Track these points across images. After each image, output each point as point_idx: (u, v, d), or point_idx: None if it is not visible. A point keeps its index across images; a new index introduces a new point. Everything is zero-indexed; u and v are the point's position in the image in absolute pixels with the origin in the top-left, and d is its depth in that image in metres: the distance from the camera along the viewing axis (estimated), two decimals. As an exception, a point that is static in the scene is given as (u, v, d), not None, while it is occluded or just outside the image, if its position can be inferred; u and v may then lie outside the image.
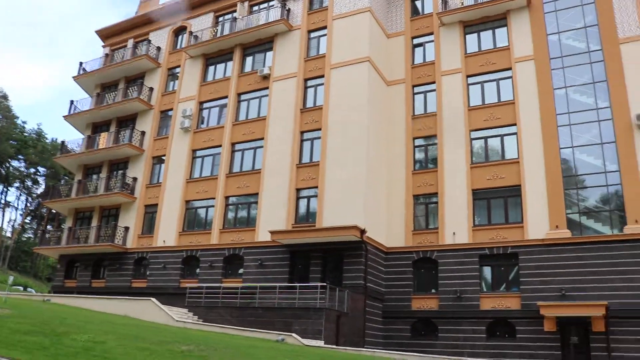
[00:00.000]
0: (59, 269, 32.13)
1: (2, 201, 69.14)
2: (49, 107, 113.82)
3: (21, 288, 46.45)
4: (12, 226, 70.18)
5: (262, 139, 26.49)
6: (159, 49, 32.98)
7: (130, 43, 34.80)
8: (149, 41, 33.24)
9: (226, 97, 28.75)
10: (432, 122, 24.90)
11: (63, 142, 34.37)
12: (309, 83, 26.37)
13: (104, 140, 31.82)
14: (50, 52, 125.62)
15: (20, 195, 70.88)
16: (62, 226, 69.80)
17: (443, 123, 24.50)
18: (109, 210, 31.14)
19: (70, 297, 24.18)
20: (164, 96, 31.47)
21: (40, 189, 70.01)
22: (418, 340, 21.96)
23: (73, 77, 35.12)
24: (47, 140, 69.76)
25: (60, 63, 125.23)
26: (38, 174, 70.11)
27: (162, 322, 18.17)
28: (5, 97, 62.83)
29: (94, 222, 31.00)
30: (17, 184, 68.53)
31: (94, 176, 32.89)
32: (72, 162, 33.48)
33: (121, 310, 19.31)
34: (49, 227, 72.49)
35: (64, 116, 34.01)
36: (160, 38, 33.36)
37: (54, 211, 70.89)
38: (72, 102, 34.56)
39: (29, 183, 70.23)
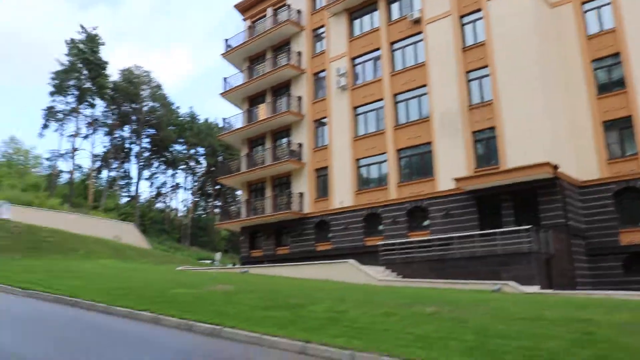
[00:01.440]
0: (243, 240, 35.51)
1: (173, 183, 77.52)
2: (184, 91, 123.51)
3: (209, 261, 52.13)
4: (185, 205, 78.48)
5: (425, 85, 26.32)
6: (299, 12, 33.86)
7: (269, 12, 36.20)
8: (288, 6, 34.26)
9: (378, 49, 28.90)
10: (611, 40, 22.71)
11: (224, 119, 37.21)
12: (465, 20, 25.55)
13: (263, 111, 33.92)
14: (169, 41, 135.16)
15: (187, 176, 78.63)
16: (234, 200, 76.68)
17: (626, 39, 22.20)
18: (280, 179, 33.40)
19: (265, 266, 26.61)
20: (314, 58, 32.43)
21: (202, 168, 77.12)
22: (633, 277, 20.71)
23: (221, 55, 37.61)
24: (199, 122, 76.08)
25: (180, 52, 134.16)
26: (198, 154, 76.98)
27: (364, 282, 19.30)
28: (159, 86, 69.43)
29: (268, 193, 33.53)
30: (182, 166, 76.09)
31: (259, 148, 35.32)
32: (236, 138, 36.22)
33: (322, 274, 20.83)
34: (221, 202, 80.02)
35: (220, 93, 36.80)
36: (298, 1, 34.10)
37: (219, 187, 78.01)
38: (225, 79, 37.25)
39: (192, 163, 77.46)
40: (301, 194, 31.19)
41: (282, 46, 35.03)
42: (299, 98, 32.52)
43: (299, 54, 33.22)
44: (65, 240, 31.84)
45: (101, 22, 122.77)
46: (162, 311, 10.77)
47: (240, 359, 8.05)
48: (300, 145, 31.88)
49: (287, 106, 32.46)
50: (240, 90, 36.06)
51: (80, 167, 65.69)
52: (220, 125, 75.70)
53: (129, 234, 44.70)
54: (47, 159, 64.26)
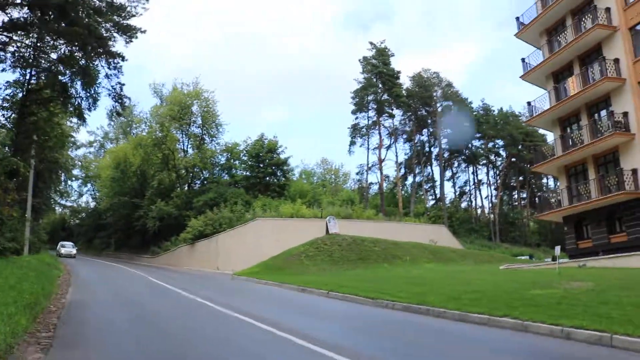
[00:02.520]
0: (567, 231, 32.90)
1: (475, 181, 77.29)
2: (468, 84, 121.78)
3: (526, 257, 49.94)
4: (490, 201, 77.26)
5: None
6: (600, -37, 30.03)
7: (559, -28, 33.08)
8: (588, -41, 30.68)
9: None
10: None
11: (529, 102, 35.31)
12: None
13: (573, 85, 31.05)
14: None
15: (488, 170, 77.43)
16: (543, 189, 72.48)
17: None
18: (604, 158, 30.02)
19: (604, 258, 24.02)
20: (627, 10, 28.41)
21: (503, 161, 74.94)
22: None
23: (515, 35, 36.13)
24: (494, 113, 74.24)
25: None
26: (497, 146, 75.15)
27: None
28: (450, 85, 70.45)
29: (591, 175, 30.41)
30: (482, 161, 75.29)
31: (573, 127, 32.39)
32: (545, 120, 34.04)
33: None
34: (527, 194, 76.58)
35: (520, 76, 35.37)
36: (597, -50, 30.35)
37: (522, 178, 74.49)
38: (523, 60, 35.48)
39: (492, 157, 75.94)
40: (634, 171, 27.29)
41: (583, 7, 31.63)
42: (616, 60, 28.69)
43: (607, 9, 29.41)
44: (387, 248, 34.40)
45: (383, 38, 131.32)
46: (526, 316, 10.09)
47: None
48: (625, 114, 28.05)
49: (602, 72, 28.97)
50: (542, 68, 33.87)
51: (387, 176, 70.92)
52: (517, 112, 72.75)
53: (442, 236, 46.08)
54: (357, 174, 71.29)
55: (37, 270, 18.44)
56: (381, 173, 65.81)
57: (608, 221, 29.47)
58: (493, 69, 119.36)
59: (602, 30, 29.08)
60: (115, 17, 29.26)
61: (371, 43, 65.03)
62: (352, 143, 65.44)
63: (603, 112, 30.07)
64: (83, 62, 29.94)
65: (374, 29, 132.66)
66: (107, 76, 31.25)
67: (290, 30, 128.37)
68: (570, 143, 31.77)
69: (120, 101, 32.45)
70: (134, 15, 29.75)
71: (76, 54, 29.77)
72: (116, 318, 11.82)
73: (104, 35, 29.18)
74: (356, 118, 65.41)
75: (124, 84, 32.09)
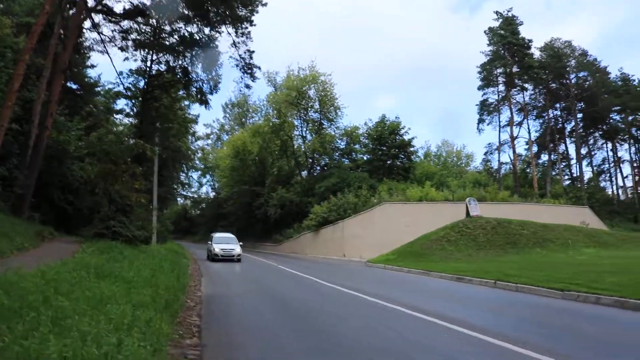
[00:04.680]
0: None
1: (614, 158, 70.39)
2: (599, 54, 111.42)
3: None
4: (634, 181, 70.00)
5: None
6: None
7: None
8: None
9: None
10: None
11: None
12: None
13: None
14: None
15: (630, 147, 70.26)
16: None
17: None
18: None
19: None
20: None
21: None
22: None
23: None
24: (634, 82, 66.98)
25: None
26: (636, 118, 67.71)
27: None
28: (584, 54, 64.38)
29: None
30: (623, 136, 68.34)
31: None
32: None
33: None
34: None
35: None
36: None
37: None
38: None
39: (634, 131, 68.72)
40: None
41: None
42: None
43: None
44: (537, 231, 31.06)
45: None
46: None
47: None
48: None
49: None
50: None
51: (520, 155, 66.39)
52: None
53: (586, 219, 41.83)
54: (485, 154, 67.30)
55: (169, 260, 17.92)
56: (514, 151, 61.04)
57: None
58: (625, 38, 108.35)
59: None
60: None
61: (497, 12, 60.07)
62: (481, 121, 61.41)
63: None
64: (205, 36, 29.31)
65: (485, 8, 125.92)
66: (234, 44, 30.04)
67: (398, 17, 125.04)
68: None
69: (250, 71, 31.39)
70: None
71: (198, 23, 29.02)
72: (263, 312, 10.71)
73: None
74: (484, 94, 61.35)
75: (253, 51, 30.94)
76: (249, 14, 28.49)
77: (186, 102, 41.92)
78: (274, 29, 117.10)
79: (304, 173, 58.96)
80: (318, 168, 58.20)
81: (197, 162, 78.15)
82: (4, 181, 19.67)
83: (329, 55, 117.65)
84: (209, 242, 32.13)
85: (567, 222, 35.98)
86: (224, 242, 30.85)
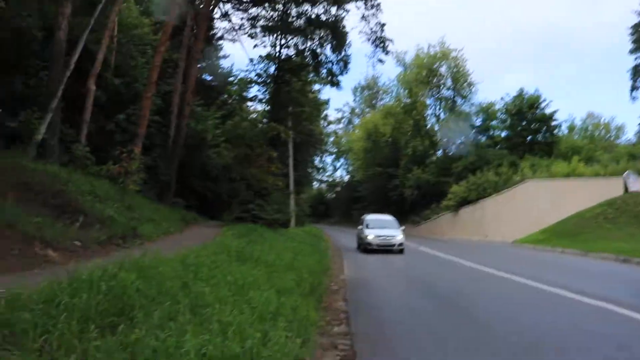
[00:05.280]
0: None
1: None
2: None
3: None
4: None
5: None
6: None
7: None
8: None
9: None
10: None
11: None
12: None
13: None
14: None
15: None
16: None
17: None
18: None
19: None
20: None
21: None
22: None
23: None
24: None
25: None
26: None
27: None
28: None
29: None
30: None
31: None
32: None
33: None
34: None
35: None
36: None
37: None
38: None
39: None
40: None
41: None
42: None
43: None
44: None
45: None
46: None
47: None
48: None
49: None
50: None
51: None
52: None
53: None
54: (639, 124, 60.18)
55: (308, 243, 17.36)
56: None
57: None
58: None
59: None
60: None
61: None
62: (634, 88, 54.74)
63: None
64: (332, 16, 28.63)
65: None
66: (363, 18, 29.11)
67: None
68: None
69: (382, 45, 30.23)
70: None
71: (325, 3, 28.51)
72: (412, 299, 9.81)
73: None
74: (636, 58, 54.46)
75: (384, 24, 29.75)
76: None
77: (317, 87, 41.82)
78: (400, 9, 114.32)
79: (439, 152, 56.78)
80: (454, 147, 55.74)
81: (331, 146, 78.76)
82: (149, 170, 20.51)
83: (459, 31, 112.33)
84: (359, 228, 24.90)
85: None
86: (379, 225, 23.51)
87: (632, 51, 54.74)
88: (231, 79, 37.61)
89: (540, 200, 35.01)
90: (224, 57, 38.56)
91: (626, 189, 30.85)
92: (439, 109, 56.34)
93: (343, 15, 29.94)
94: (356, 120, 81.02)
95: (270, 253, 10.88)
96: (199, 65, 27.33)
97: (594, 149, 53.10)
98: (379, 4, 28.57)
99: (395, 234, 22.42)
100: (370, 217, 25.25)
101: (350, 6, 29.51)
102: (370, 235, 22.12)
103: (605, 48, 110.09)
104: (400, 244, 21.83)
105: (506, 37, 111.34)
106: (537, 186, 37.25)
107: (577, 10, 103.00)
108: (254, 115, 37.74)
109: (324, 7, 29.89)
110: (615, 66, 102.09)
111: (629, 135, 67.22)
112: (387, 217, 26.00)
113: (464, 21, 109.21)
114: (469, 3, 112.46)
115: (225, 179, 25.98)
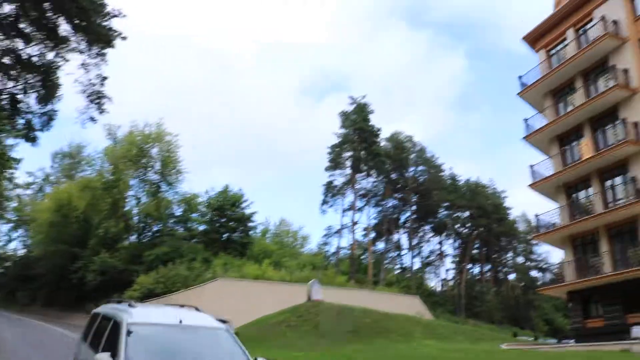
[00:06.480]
0: (573, 307, 30.49)
1: (439, 251, 75.23)
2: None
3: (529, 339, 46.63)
4: (455, 274, 74.97)
5: None
6: (615, 22, 29.19)
7: (569, 35, 32.45)
8: (602, 18, 29.69)
9: None
10: None
11: (531, 166, 33.45)
12: None
13: (587, 148, 29.31)
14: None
15: (454, 241, 75.64)
16: (502, 264, 70.83)
17: None
18: (618, 229, 28.01)
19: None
20: (650, 71, 27.14)
21: (467, 231, 73.19)
22: None
23: (518, 94, 34.66)
24: (459, 183, 73.12)
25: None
26: (463, 217, 73.50)
27: None
28: (423, 150, 69.26)
29: (603, 247, 28.33)
30: (448, 232, 73.49)
31: (580, 194, 30.73)
32: (549, 186, 32.04)
33: None
34: (492, 267, 74.91)
35: (523, 137, 33.59)
36: (611, 11, 29.55)
37: (485, 251, 72.77)
38: (525, 120, 33.96)
39: (459, 228, 74.34)
40: (663, 242, 25.20)
41: (594, 69, 30.54)
42: (636, 124, 27.22)
43: (625, 71, 28.22)
44: (379, 320, 30.16)
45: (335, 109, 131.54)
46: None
47: None
48: (648, 181, 26.18)
49: (620, 136, 27.39)
50: (546, 131, 32.34)
51: (358, 241, 67.69)
52: (485, 184, 72.06)
53: (416, 309, 42.85)
54: (323, 236, 67.70)
55: None
56: (353, 237, 62.13)
57: (624, 300, 27.11)
58: (446, 141, 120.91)
59: (621, 92, 27.69)
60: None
61: (351, 97, 62.35)
62: (325, 202, 61.99)
63: (618, 179, 28.46)
64: (50, 57, 25.08)
65: (329, 100, 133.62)
66: (83, 65, 25.89)
67: (244, 99, 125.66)
68: (581, 211, 29.98)
69: (98, 102, 27.02)
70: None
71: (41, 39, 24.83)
72: None
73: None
74: (331, 175, 62.17)
75: (106, 77, 26.70)
76: (108, 33, 24.91)
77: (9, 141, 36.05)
78: (123, 80, 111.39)
79: (133, 237, 53.79)
80: (150, 234, 53.56)
81: (11, 214, 68.74)
82: None
83: (176, 119, 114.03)
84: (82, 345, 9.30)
85: (401, 311, 36.25)
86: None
87: (327, 169, 62.43)
88: None
89: (231, 300, 35.02)
90: None
91: (309, 297, 32.88)
92: (142, 192, 54.22)
93: (60, 64, 26.67)
94: (48, 189, 72.86)
95: None
96: None
97: (283, 254, 57.04)
98: (104, 54, 26.06)
99: None
100: (140, 317, 7.32)
101: (72, 56, 26.46)
102: None
103: (312, 161, 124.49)
104: None
105: (227, 131, 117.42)
106: (227, 285, 37.54)
107: (295, 120, 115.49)
108: None
109: (39, 49, 26.39)
110: (315, 179, 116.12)
111: (312, 245, 74.84)
112: (199, 321, 7.89)
113: (189, 109, 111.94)
114: (197, 93, 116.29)
115: None
